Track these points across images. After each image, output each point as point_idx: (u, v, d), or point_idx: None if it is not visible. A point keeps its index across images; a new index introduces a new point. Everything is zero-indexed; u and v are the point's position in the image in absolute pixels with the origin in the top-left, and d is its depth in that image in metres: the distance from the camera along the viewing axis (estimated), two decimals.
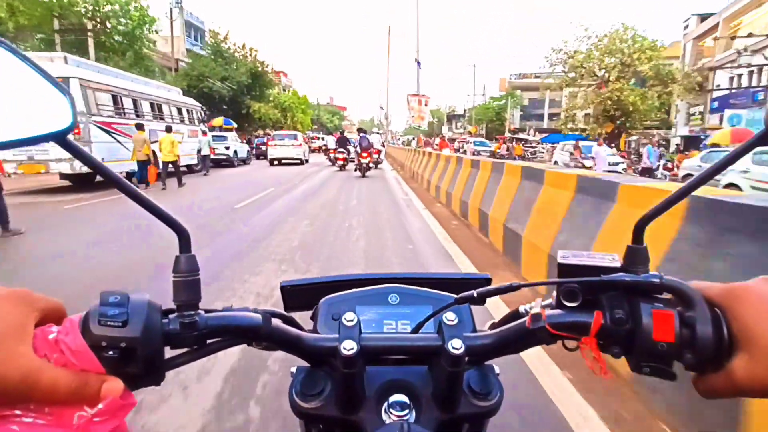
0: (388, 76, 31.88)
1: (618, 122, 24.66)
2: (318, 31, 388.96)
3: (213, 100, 28.72)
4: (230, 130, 26.66)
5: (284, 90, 51.64)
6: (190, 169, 15.13)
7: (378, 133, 20.95)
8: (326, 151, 23.12)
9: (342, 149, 17.04)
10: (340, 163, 16.84)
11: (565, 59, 25.39)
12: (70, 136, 0.37)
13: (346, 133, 19.97)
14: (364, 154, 14.52)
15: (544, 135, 42.60)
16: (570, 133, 28.99)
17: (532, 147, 31.39)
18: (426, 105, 26.69)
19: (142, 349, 0.37)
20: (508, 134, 40.69)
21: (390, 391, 0.46)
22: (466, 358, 0.43)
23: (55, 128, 0.37)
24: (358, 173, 14.48)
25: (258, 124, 31.60)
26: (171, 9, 26.05)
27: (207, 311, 0.44)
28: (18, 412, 0.32)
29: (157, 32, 20.72)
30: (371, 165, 14.97)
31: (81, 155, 0.38)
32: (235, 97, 29.33)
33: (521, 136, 40.59)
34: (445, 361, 0.43)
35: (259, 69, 31.63)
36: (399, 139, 64.20)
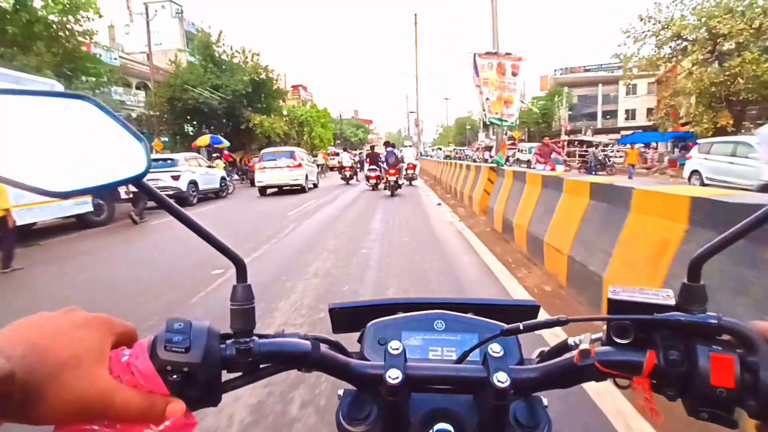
0: (417, 69, 25.80)
1: (737, 109, 17.00)
2: (341, 43, 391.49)
3: (202, 114, 22.88)
4: (220, 150, 20.55)
5: (303, 104, 46.06)
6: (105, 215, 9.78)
7: (410, 145, 19.37)
8: (341, 169, 20.83)
9: (374, 166, 15.04)
10: (373, 182, 15.01)
11: (658, 30, 18.08)
12: (146, 179, 0.41)
13: (376, 149, 17.81)
14: (392, 171, 12.83)
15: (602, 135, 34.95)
16: (671, 130, 21.34)
17: (602, 150, 24.06)
18: (515, 75, 12.35)
19: (203, 373, 0.40)
20: (565, 137, 33.15)
21: (435, 419, 0.47)
22: (512, 391, 0.43)
23: (132, 173, 0.41)
24: (387, 192, 13.09)
25: (263, 140, 27.35)
26: (146, 6, 20.49)
27: (260, 336, 0.47)
28: (95, 427, 0.35)
29: (93, 18, 15.10)
30: (401, 182, 13.72)
31: (154, 196, 0.43)
32: (232, 109, 24.78)
33: (584, 138, 33.10)
34: (490, 393, 0.43)
35: (262, 76, 25.77)
36: (432, 150, 57.11)
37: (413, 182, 16.34)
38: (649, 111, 44.12)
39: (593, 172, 21.04)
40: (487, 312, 0.58)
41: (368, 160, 15.57)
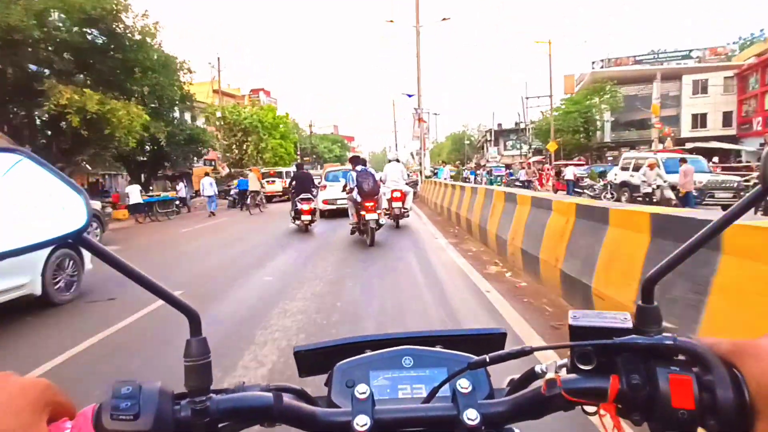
0: (417, 18, 13.40)
1: None
2: (321, 57, 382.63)
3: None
4: None
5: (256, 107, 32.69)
6: None
7: (395, 160, 11.26)
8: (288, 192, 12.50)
9: (305, 195, 10.04)
10: (306, 218, 9.96)
11: None
12: (86, 234, 0.40)
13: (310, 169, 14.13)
14: (369, 204, 7.53)
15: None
16: None
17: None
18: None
19: None
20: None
21: None
22: (482, 428, 0.44)
23: (70, 228, 0.39)
24: (367, 241, 7.69)
25: (123, 146, 15.73)
26: None
27: (218, 392, 0.46)
28: None
29: None
30: (382, 221, 7.86)
31: (97, 251, 0.40)
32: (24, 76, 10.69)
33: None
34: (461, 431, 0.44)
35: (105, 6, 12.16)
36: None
37: (401, 221, 10.25)
38: (727, 116, 31.23)
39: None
40: (455, 343, 0.59)
41: (293, 183, 10.45)
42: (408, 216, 10.58)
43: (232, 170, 26.49)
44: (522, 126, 40.21)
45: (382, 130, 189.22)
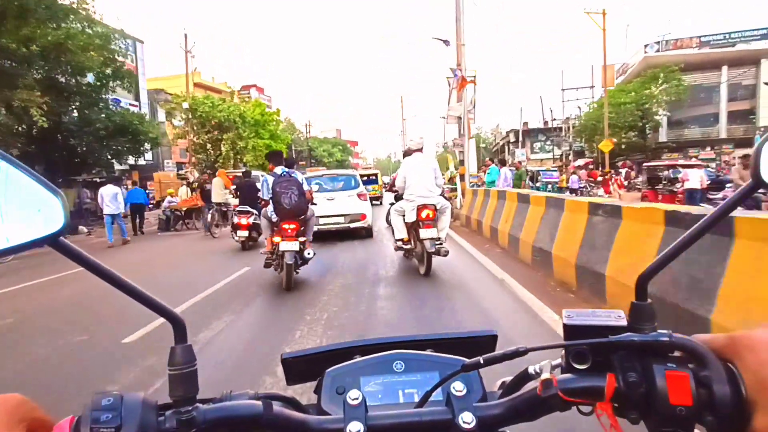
0: None
1: None
2: (323, 59, 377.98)
3: None
4: None
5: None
6: None
7: (418, 145, 5.67)
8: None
9: (245, 207, 8.29)
10: (243, 234, 8.08)
11: None
12: (62, 238, 0.39)
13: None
14: (288, 226, 4.97)
15: None
16: None
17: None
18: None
19: None
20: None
21: None
22: (478, 431, 0.44)
23: (48, 231, 0.38)
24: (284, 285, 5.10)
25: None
26: None
27: (205, 401, 0.45)
28: None
29: None
30: (309, 254, 5.26)
31: (74, 255, 0.39)
32: None
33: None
34: None
35: None
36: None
37: (432, 262, 5.25)
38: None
39: None
40: (446, 347, 0.58)
41: (236, 194, 9.33)
42: (446, 254, 5.24)
43: (202, 175, 20.53)
44: (555, 124, 34.06)
45: (385, 131, 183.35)
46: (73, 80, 13.34)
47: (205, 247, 9.70)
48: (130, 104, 28.76)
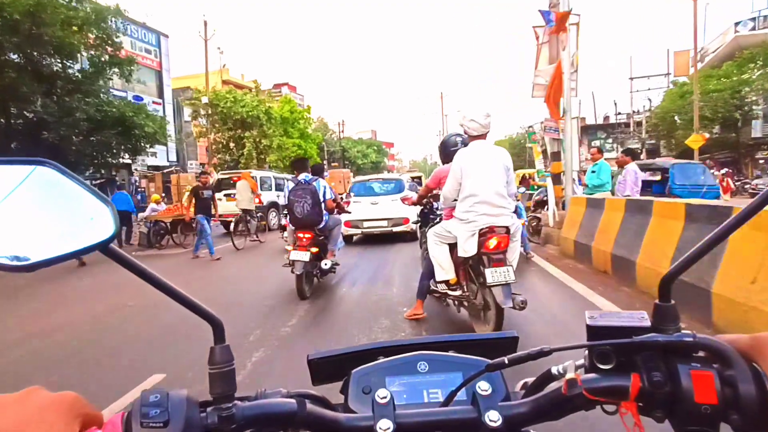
0: None
1: None
2: (363, 61, 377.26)
3: None
4: None
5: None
6: None
7: (480, 136, 3.51)
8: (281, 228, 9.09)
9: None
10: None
11: None
12: (113, 244, 0.40)
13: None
14: (303, 235, 4.88)
15: None
16: None
17: None
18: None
19: None
20: None
21: None
22: (504, 430, 0.45)
23: (99, 239, 0.40)
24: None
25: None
26: None
27: (242, 399, 0.47)
28: None
29: None
30: (329, 263, 5.23)
31: (124, 261, 0.41)
32: None
33: None
34: None
35: None
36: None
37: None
38: None
39: None
40: (468, 348, 0.59)
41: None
42: (524, 306, 3.11)
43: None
44: (619, 119, 29.76)
45: (422, 132, 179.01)
46: (58, 63, 11.24)
47: (190, 278, 7.05)
48: (153, 102, 27.26)
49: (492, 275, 3.04)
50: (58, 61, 11.38)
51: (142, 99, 25.05)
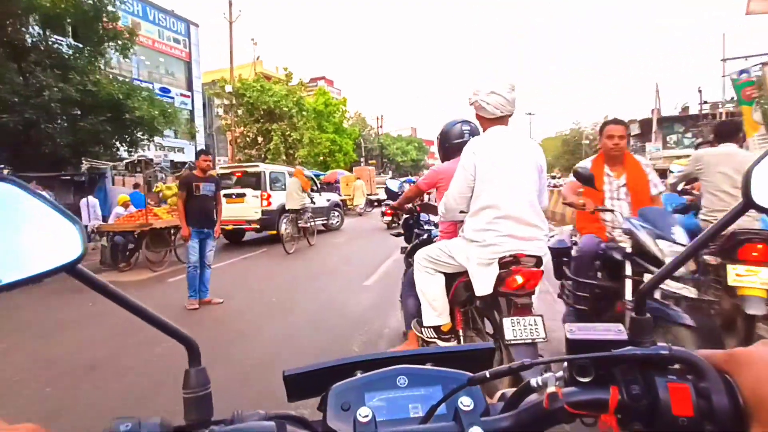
0: None
1: None
2: (402, 56, 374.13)
3: None
4: None
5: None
6: None
7: (500, 120, 2.23)
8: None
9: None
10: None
11: None
12: (80, 265, 0.39)
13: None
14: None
15: None
16: None
17: None
18: None
19: None
20: None
21: None
22: None
23: (66, 259, 0.38)
24: None
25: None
26: None
27: (218, 423, 0.45)
28: None
29: None
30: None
31: (92, 282, 0.40)
32: None
33: None
34: None
35: None
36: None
37: None
38: None
39: None
40: (445, 360, 0.58)
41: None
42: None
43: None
44: (702, 110, 25.26)
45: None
46: (31, 31, 9.25)
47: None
48: (182, 94, 25.85)
49: (512, 328, 2.05)
50: (37, 32, 9.50)
51: (169, 91, 23.66)
